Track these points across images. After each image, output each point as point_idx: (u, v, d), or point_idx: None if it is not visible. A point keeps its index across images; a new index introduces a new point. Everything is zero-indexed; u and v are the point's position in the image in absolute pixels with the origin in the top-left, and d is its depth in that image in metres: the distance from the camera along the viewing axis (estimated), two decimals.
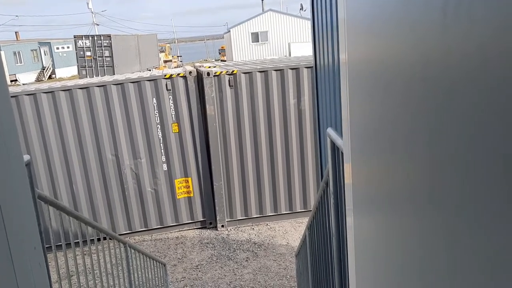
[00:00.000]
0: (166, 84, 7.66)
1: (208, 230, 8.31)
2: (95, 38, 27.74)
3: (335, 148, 2.47)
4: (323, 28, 3.97)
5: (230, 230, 8.26)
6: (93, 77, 21.37)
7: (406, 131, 0.76)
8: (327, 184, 2.80)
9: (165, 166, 7.94)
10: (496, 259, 0.48)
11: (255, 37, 35.01)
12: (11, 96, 7.16)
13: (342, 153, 2.13)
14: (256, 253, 7.43)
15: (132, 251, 4.59)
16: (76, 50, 27.89)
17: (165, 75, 7.68)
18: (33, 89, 7.51)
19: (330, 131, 2.53)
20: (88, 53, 27.25)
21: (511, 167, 0.45)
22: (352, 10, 1.03)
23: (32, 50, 43.37)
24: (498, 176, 0.47)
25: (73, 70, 39.48)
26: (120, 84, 7.57)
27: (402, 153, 0.80)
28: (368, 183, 1.00)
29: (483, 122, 0.50)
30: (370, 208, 1.00)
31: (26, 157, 2.48)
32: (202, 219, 8.31)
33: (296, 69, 7.78)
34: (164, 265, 6.25)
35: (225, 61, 32.76)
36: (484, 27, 0.49)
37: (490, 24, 0.48)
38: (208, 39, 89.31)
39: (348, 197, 1.24)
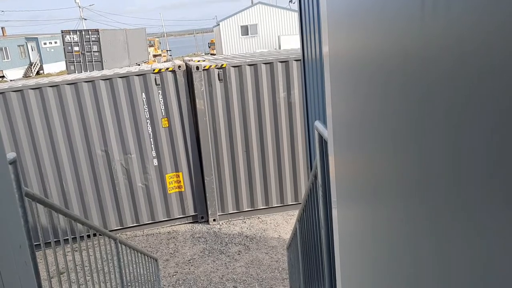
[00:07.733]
0: (155, 79, 7.60)
1: (200, 224, 8.31)
2: (83, 33, 27.40)
3: (322, 140, 2.48)
4: (311, 21, 3.96)
5: (222, 224, 8.27)
6: (81, 72, 21.14)
7: (387, 124, 0.77)
8: (315, 176, 2.81)
9: (155, 161, 7.91)
10: (483, 253, 0.49)
11: (245, 30, 34.86)
12: None
13: None
14: (248, 246, 7.45)
15: (123, 247, 4.58)
16: (64, 45, 27.52)
17: (154, 70, 7.63)
18: (20, 85, 7.42)
19: (318, 124, 2.53)
20: (76, 48, 26.92)
21: (496, 157, 0.45)
22: (333, 3, 1.03)
23: (19, 46, 42.76)
24: (483, 168, 0.47)
25: (61, 65, 39.02)
26: (108, 79, 7.50)
27: (383, 145, 0.80)
28: (350, 176, 1.01)
29: (464, 113, 0.50)
30: (352, 200, 1.01)
31: (12, 155, 2.45)
32: (193, 214, 8.31)
33: (285, 62, 7.77)
34: (156, 260, 6.24)
35: (214, 54, 32.61)
36: (462, 20, 0.50)
37: (468, 16, 0.48)
38: (197, 33, 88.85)
39: (333, 189, 1.25)
